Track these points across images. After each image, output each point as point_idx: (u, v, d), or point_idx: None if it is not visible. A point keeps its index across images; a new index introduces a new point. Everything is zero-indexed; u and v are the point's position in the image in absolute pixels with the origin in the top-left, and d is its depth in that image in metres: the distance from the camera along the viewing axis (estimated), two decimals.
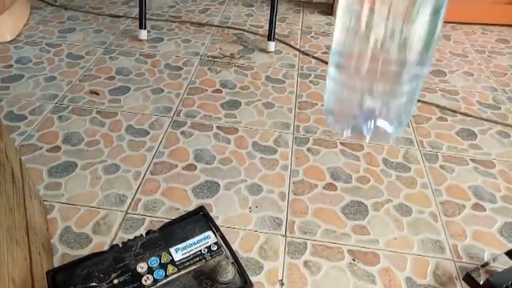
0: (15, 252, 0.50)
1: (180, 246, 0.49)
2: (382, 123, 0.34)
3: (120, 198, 0.83)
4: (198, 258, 0.47)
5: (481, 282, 0.69)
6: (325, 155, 0.97)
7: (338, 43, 0.31)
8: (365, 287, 0.70)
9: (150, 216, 0.80)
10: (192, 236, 0.50)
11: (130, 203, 0.82)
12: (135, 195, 0.84)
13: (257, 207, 0.83)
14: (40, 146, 0.95)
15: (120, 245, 0.49)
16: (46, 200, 0.82)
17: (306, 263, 0.73)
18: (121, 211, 0.81)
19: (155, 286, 0.44)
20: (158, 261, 0.47)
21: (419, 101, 1.18)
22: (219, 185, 0.88)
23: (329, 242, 0.77)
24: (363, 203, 0.86)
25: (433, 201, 0.87)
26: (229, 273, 0.45)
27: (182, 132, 1.02)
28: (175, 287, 0.45)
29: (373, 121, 0.33)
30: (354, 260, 0.74)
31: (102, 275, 0.45)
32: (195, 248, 0.48)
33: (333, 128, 0.38)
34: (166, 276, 0.45)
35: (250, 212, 0.82)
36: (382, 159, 0.98)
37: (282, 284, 0.70)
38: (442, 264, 0.75)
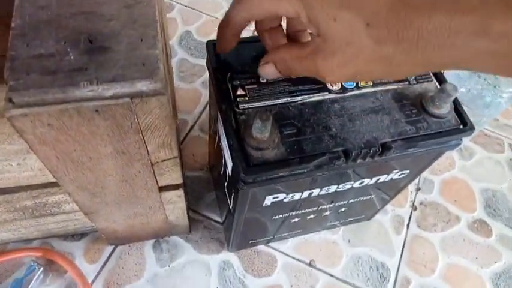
0: None
1: None
2: None
3: None
4: None
5: None
6: None
7: None
8: None
9: None
10: None
11: None
12: None
13: None
14: None
15: None
16: None
17: None
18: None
19: (344, 95, 0.33)
20: None
21: None
22: None
23: (488, 130, 0.62)
24: None
25: None
26: (447, 104, 0.32)
27: None
28: (370, 103, 0.33)
29: None
30: None
31: None
32: None
33: None
34: (358, 87, 0.34)
35: None
36: None
37: None
38: None
